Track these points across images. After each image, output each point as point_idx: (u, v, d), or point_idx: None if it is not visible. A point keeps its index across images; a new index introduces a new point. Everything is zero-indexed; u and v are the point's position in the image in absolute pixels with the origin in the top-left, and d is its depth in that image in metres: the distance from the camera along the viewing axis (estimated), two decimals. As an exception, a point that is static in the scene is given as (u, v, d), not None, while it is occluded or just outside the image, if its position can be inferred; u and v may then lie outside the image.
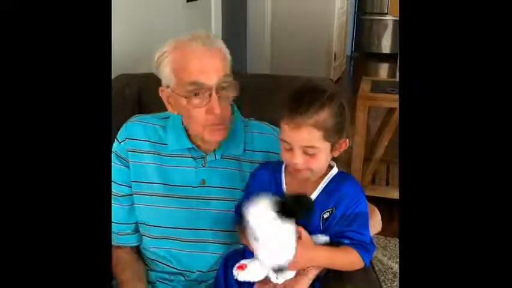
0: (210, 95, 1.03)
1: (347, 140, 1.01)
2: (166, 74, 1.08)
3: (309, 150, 0.96)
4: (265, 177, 1.09)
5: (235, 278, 1.00)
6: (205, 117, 1.06)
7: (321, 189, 1.03)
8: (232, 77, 1.09)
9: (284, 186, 1.05)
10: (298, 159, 0.97)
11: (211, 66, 1.03)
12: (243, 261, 1.00)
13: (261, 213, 0.92)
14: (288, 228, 0.93)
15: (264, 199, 0.94)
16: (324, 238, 1.01)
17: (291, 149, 0.97)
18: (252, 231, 0.92)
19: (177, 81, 1.06)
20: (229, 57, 1.10)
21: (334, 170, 1.05)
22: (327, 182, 1.03)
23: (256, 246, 0.93)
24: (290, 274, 0.98)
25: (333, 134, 0.97)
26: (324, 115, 0.95)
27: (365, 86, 2.75)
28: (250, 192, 1.10)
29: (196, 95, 1.04)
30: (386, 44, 6.94)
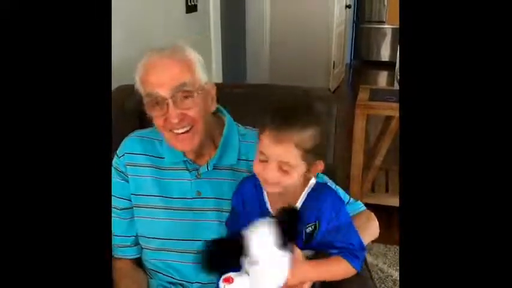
0: (168, 105, 1.05)
1: (322, 162, 0.99)
2: (138, 84, 1.12)
3: (284, 166, 0.94)
4: (248, 193, 1.08)
5: None
6: (164, 125, 1.09)
7: (301, 202, 1.02)
8: (204, 84, 1.11)
9: (267, 202, 1.05)
10: (271, 174, 0.95)
11: (164, 77, 1.06)
12: (231, 274, 0.97)
13: (264, 241, 0.91)
14: (286, 256, 0.94)
15: (264, 225, 0.92)
16: (309, 252, 1.01)
17: (265, 161, 0.96)
18: (251, 256, 0.91)
19: (142, 93, 1.10)
20: (197, 64, 1.10)
21: (313, 181, 1.04)
22: (307, 194, 1.03)
23: (253, 271, 0.93)
24: None
25: (312, 155, 0.95)
26: (307, 135, 0.93)
27: (363, 94, 2.77)
28: (234, 209, 1.11)
29: (156, 105, 1.07)
30: (385, 53, 6.98)
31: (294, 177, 0.97)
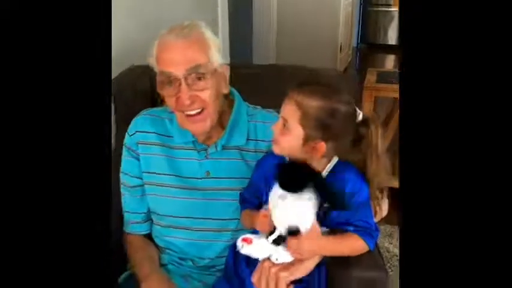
0: (180, 85, 1.06)
1: (324, 145, 0.98)
2: (153, 62, 1.12)
3: (285, 124, 0.98)
4: (269, 167, 1.09)
5: (237, 249, 1.02)
6: (176, 105, 1.10)
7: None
8: (218, 66, 1.11)
9: None
10: (274, 128, 1.00)
11: (179, 57, 1.06)
12: (249, 235, 1.02)
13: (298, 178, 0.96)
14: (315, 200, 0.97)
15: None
16: (324, 229, 1.03)
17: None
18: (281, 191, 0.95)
19: (156, 69, 1.11)
20: (212, 46, 1.10)
21: (334, 159, 1.05)
22: (328, 172, 1.04)
23: (281, 206, 0.96)
24: (289, 259, 1.01)
25: (313, 128, 0.96)
26: (313, 103, 0.96)
27: (371, 76, 2.77)
28: (253, 181, 1.13)
29: (169, 84, 1.07)
30: (392, 36, 6.91)
31: (288, 140, 0.98)
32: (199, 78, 1.07)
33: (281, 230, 0.98)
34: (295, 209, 0.96)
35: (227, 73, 1.16)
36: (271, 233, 0.99)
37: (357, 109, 1.02)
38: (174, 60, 1.06)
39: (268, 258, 1.02)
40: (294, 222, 0.97)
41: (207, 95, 1.09)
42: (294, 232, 0.98)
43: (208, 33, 1.12)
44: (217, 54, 1.12)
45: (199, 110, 1.10)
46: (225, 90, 1.17)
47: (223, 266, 1.15)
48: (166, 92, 1.09)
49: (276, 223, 0.99)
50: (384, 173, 1.02)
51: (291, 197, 0.96)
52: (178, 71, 1.05)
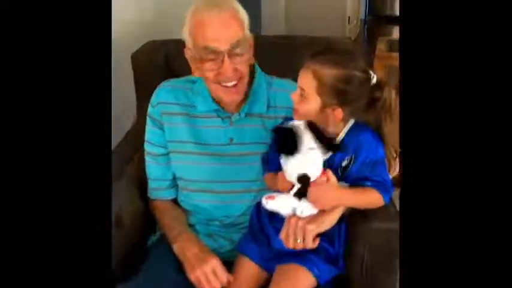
0: (223, 60, 1.10)
1: (341, 111, 1.04)
2: (185, 35, 1.16)
3: (303, 93, 1.04)
4: None
5: (263, 206, 1.09)
6: (217, 78, 1.14)
7: (339, 140, 1.08)
8: (249, 38, 1.16)
9: None
10: (293, 97, 1.06)
11: (224, 33, 1.10)
12: (272, 193, 1.09)
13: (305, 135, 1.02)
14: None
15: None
16: (344, 184, 1.08)
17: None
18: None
19: (193, 44, 1.14)
20: (245, 19, 1.16)
21: (351, 122, 1.10)
22: (345, 133, 1.09)
23: (288, 164, 1.03)
24: (313, 211, 1.06)
25: (329, 95, 1.02)
26: (328, 71, 1.01)
27: (382, 45, 2.79)
28: (274, 145, 1.16)
29: (211, 58, 1.11)
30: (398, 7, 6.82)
31: (307, 108, 1.04)
32: (239, 52, 1.13)
33: (295, 182, 1.04)
34: (299, 162, 1.02)
35: (252, 43, 1.20)
36: (292, 189, 1.05)
37: (371, 72, 1.06)
38: (218, 36, 1.09)
39: (294, 214, 1.07)
40: (301, 170, 1.03)
41: (244, 67, 1.15)
42: (304, 180, 1.04)
43: (240, 8, 1.16)
44: (248, 27, 1.17)
45: (236, 82, 1.15)
46: (252, 60, 1.22)
47: (247, 223, 1.22)
48: (207, 66, 1.13)
49: (289, 179, 1.05)
50: (397, 132, 1.06)
51: (304, 149, 1.02)
52: (223, 47, 1.09)
